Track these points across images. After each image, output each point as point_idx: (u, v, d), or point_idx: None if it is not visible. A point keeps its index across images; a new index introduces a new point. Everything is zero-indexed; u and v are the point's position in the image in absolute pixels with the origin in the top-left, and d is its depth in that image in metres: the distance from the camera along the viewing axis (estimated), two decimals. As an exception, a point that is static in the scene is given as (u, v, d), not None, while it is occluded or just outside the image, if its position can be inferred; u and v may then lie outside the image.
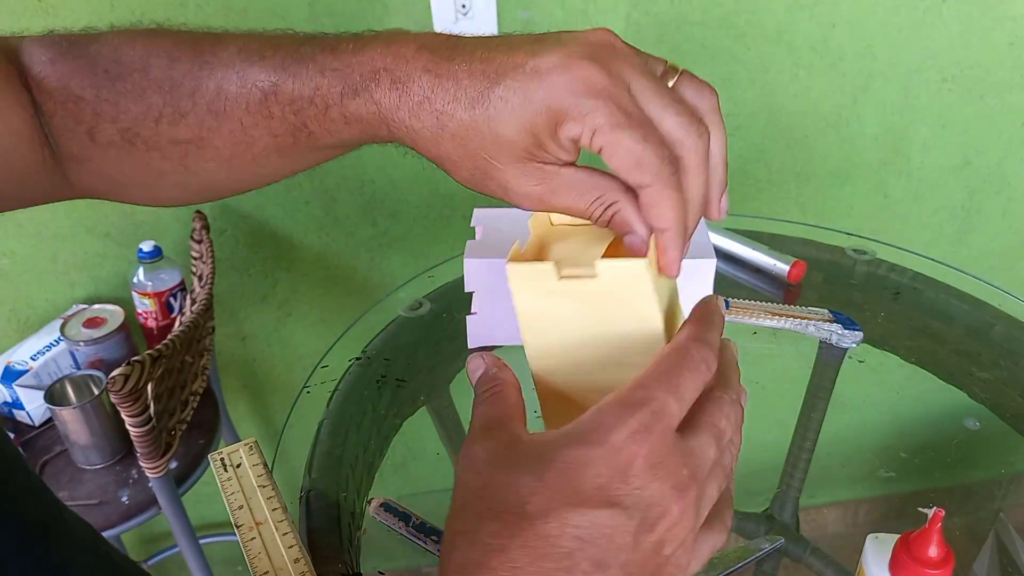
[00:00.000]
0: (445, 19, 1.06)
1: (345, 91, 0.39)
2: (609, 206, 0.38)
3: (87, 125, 0.43)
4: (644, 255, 0.37)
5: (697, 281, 0.69)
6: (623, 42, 0.38)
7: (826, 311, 0.77)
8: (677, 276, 0.39)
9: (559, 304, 0.39)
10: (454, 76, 0.37)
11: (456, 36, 0.39)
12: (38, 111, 0.44)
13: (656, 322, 0.38)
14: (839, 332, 0.75)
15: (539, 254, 0.42)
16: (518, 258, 0.40)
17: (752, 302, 0.78)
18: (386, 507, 0.59)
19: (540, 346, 0.42)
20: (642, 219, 0.38)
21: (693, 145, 0.37)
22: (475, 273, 0.71)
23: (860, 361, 0.74)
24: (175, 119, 0.42)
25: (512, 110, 0.36)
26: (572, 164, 0.38)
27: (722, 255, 0.87)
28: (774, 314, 0.76)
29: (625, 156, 0.35)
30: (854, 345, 0.74)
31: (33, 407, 1.09)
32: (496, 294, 0.72)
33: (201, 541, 1.10)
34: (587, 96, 0.35)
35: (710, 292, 0.71)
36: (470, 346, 0.75)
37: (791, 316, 0.76)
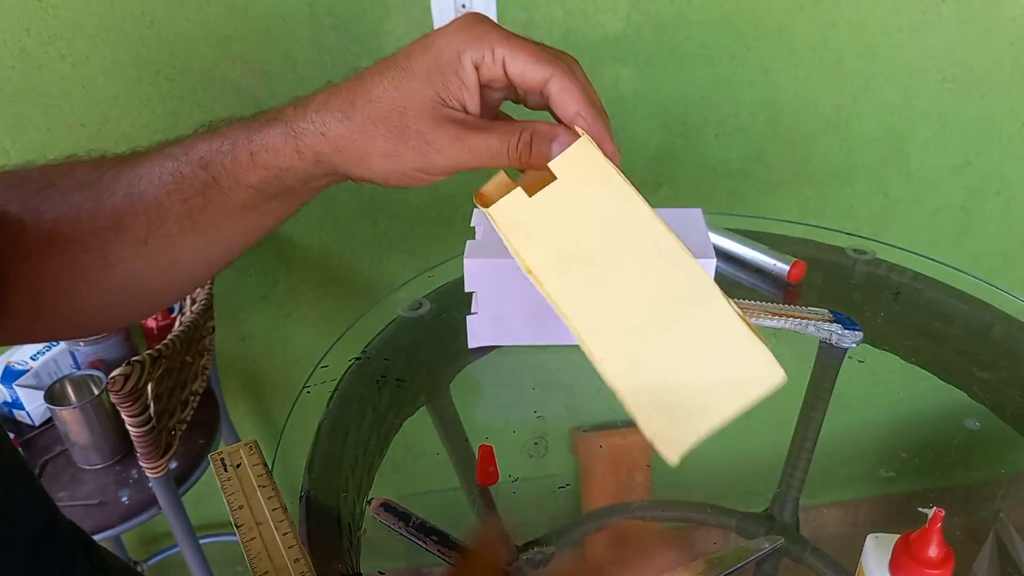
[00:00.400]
0: (445, 19, 1.06)
1: (252, 129, 0.42)
2: (523, 131, 0.41)
3: (12, 235, 0.42)
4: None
5: None
6: None
7: (826, 311, 0.77)
8: (616, 153, 0.42)
9: (545, 223, 0.41)
10: (357, 77, 0.42)
11: None
12: None
13: (630, 191, 0.40)
14: (839, 332, 0.75)
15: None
16: (495, 191, 0.43)
17: (752, 302, 0.78)
18: (386, 507, 0.59)
19: (552, 268, 0.42)
20: (557, 127, 0.41)
21: (571, 59, 0.42)
22: (475, 273, 0.71)
23: (860, 361, 0.74)
24: (95, 211, 0.43)
25: (415, 65, 0.40)
26: (479, 119, 0.42)
27: (722, 255, 0.87)
28: (774, 314, 0.76)
29: (525, 56, 0.40)
30: (854, 345, 0.74)
31: (33, 407, 1.09)
32: (496, 294, 0.72)
33: (201, 541, 1.10)
34: (479, 25, 0.40)
35: None
36: (470, 346, 0.75)
37: (791, 316, 0.76)
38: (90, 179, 0.44)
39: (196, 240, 0.45)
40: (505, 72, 0.41)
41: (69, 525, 0.40)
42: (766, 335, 0.76)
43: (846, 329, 0.75)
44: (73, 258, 0.44)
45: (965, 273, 0.83)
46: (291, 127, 0.41)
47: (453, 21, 0.41)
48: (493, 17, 1.06)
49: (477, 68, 0.40)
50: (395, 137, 0.41)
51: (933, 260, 0.86)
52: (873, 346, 0.75)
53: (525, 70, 0.40)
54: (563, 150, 0.41)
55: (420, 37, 0.42)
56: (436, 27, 1.05)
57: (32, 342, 0.48)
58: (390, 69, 0.41)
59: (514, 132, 0.41)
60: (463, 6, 1.05)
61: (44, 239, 0.43)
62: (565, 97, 0.41)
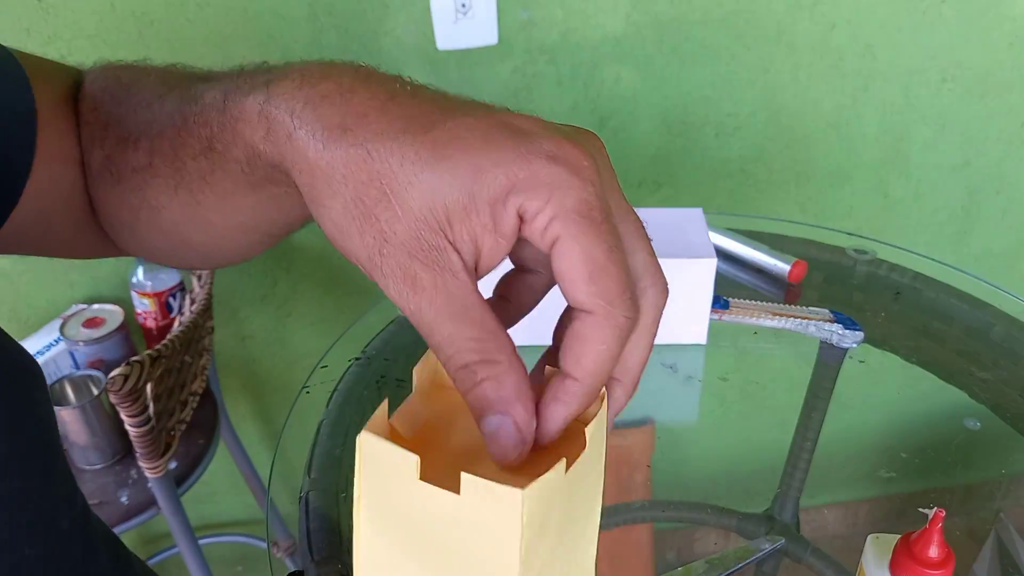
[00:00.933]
0: (445, 19, 1.06)
1: (228, 91, 0.31)
2: (483, 362, 0.27)
3: (88, 148, 0.39)
4: (505, 456, 0.28)
5: (697, 281, 0.69)
6: (606, 154, 0.30)
7: (827, 311, 0.77)
8: (553, 437, 0.29)
9: (411, 504, 0.27)
10: (385, 84, 0.28)
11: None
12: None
13: (513, 564, 0.27)
14: (840, 332, 0.75)
15: (415, 422, 0.31)
16: (381, 426, 0.28)
17: (753, 302, 0.78)
18: (386, 507, 0.59)
19: (379, 545, 0.29)
20: (511, 400, 0.27)
21: (656, 300, 0.29)
22: None
23: (861, 361, 0.74)
24: (135, 142, 0.36)
25: (463, 148, 0.26)
26: (469, 280, 0.27)
27: (722, 255, 0.87)
28: (775, 314, 0.76)
29: (583, 260, 0.26)
30: (855, 345, 0.74)
31: (32, 407, 1.09)
32: (496, 294, 0.72)
33: (200, 541, 1.10)
34: (565, 171, 0.26)
35: (710, 292, 0.71)
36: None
37: (792, 316, 0.76)
38: (145, 100, 0.37)
39: (219, 204, 0.36)
40: (545, 254, 0.27)
41: (98, 521, 0.39)
42: (767, 335, 0.76)
43: (847, 329, 0.75)
44: (123, 195, 0.38)
45: (965, 273, 0.83)
46: (266, 108, 0.29)
47: (558, 127, 0.29)
48: (493, 16, 1.06)
49: (521, 218, 0.26)
50: (356, 212, 0.27)
51: (933, 260, 0.86)
52: (873, 346, 0.75)
53: (569, 274, 0.26)
54: (491, 431, 0.27)
55: (496, 109, 0.29)
56: (436, 28, 1.06)
57: (142, 257, 0.44)
58: (449, 117, 0.27)
59: (471, 355, 0.27)
60: (463, 6, 1.05)
61: (105, 165, 0.38)
62: (577, 348, 0.27)
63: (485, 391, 0.27)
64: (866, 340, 0.75)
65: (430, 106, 0.27)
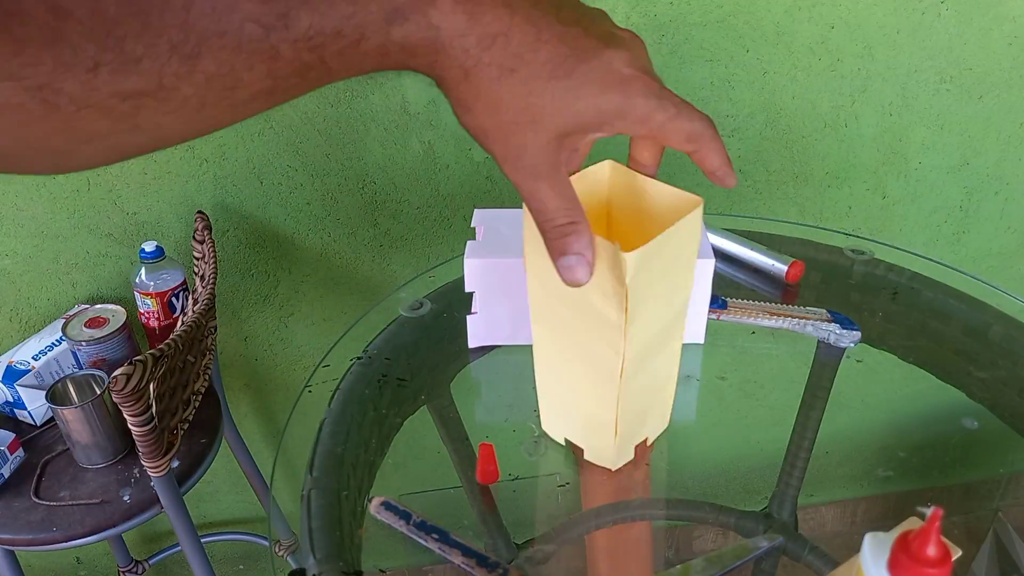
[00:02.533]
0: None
1: (391, 16, 0.33)
2: (571, 223, 0.42)
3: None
4: (578, 281, 0.43)
5: (695, 281, 0.70)
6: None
7: (824, 311, 0.77)
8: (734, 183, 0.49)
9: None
10: (533, 22, 0.36)
11: None
12: None
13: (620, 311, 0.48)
14: (837, 332, 0.75)
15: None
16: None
17: (750, 302, 0.78)
18: (387, 506, 0.60)
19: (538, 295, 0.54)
20: (589, 246, 0.43)
21: (710, 122, 0.45)
22: (475, 273, 0.71)
23: (858, 361, 0.75)
24: (120, 67, 0.31)
25: (592, 87, 0.38)
26: (567, 175, 0.42)
27: (720, 255, 0.87)
28: (772, 314, 0.76)
29: (680, 136, 0.43)
30: (852, 345, 0.75)
31: (35, 407, 1.09)
32: (496, 294, 0.73)
33: (203, 540, 1.10)
34: (651, 98, 0.41)
35: (708, 292, 0.71)
36: (470, 345, 0.75)
37: (789, 316, 0.76)
38: (96, 16, 0.30)
39: (264, 105, 0.36)
40: (650, 133, 0.43)
41: None
42: (765, 335, 0.76)
43: (844, 329, 0.75)
44: (80, 123, 0.32)
45: (963, 273, 0.84)
46: (441, 43, 0.35)
47: (630, 47, 0.41)
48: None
49: (623, 133, 0.42)
50: (507, 130, 0.39)
51: (931, 260, 0.86)
52: (871, 346, 0.76)
53: (679, 143, 0.44)
54: (568, 265, 0.42)
55: (596, 27, 0.39)
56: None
57: None
58: (579, 66, 0.38)
59: (563, 219, 0.42)
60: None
61: (33, 98, 0.30)
62: (707, 162, 0.46)
63: (570, 240, 0.42)
64: (864, 340, 0.75)
65: (568, 47, 0.38)
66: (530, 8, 0.36)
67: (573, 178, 0.44)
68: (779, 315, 0.76)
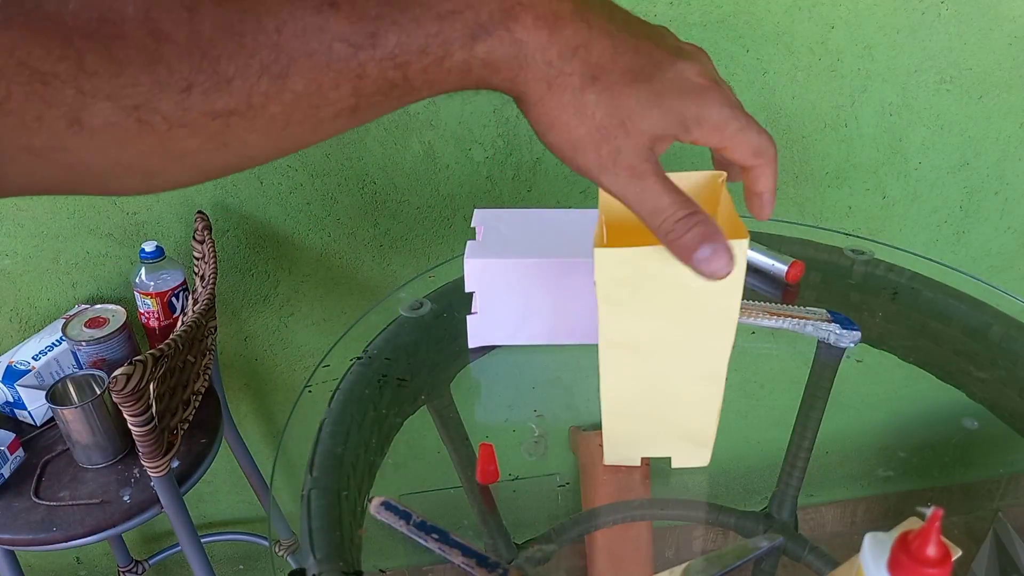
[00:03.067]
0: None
1: (475, 32, 0.35)
2: (692, 217, 0.41)
3: (65, 109, 0.30)
4: (720, 271, 0.44)
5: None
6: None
7: (824, 311, 0.77)
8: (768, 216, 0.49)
9: (646, 281, 0.51)
10: (610, 36, 0.38)
11: None
12: None
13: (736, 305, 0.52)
14: (837, 332, 0.75)
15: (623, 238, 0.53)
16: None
17: (751, 302, 0.78)
18: (387, 506, 0.60)
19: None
20: (720, 235, 0.42)
21: (774, 145, 0.45)
22: (475, 273, 0.71)
23: (858, 361, 0.75)
24: (212, 87, 0.32)
25: (671, 93, 0.39)
26: (662, 171, 0.42)
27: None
28: (772, 314, 0.76)
29: (747, 149, 0.43)
30: (852, 345, 0.75)
31: (35, 407, 1.09)
32: (496, 294, 0.72)
33: (203, 540, 1.10)
34: (724, 108, 0.41)
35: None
36: (470, 346, 0.75)
37: (789, 316, 0.76)
38: (190, 37, 0.31)
39: (347, 124, 0.36)
40: (717, 147, 0.43)
41: None
42: (765, 335, 0.76)
43: (844, 329, 0.75)
44: (171, 142, 0.33)
45: (963, 273, 0.84)
46: (525, 57, 0.36)
47: (699, 60, 0.42)
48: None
49: (718, 134, 0.42)
50: (598, 136, 0.39)
51: (931, 260, 0.86)
52: (871, 346, 0.76)
53: (743, 157, 0.44)
54: (706, 257, 0.42)
55: (666, 42, 0.41)
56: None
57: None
58: (658, 72, 0.39)
59: (683, 211, 0.41)
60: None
61: (130, 117, 0.32)
62: (760, 182, 0.46)
63: (699, 231, 0.41)
64: (864, 340, 0.75)
65: (644, 58, 0.39)
66: (606, 23, 0.38)
67: (674, 177, 0.43)
68: (779, 315, 0.76)
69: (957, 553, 0.50)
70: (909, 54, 1.19)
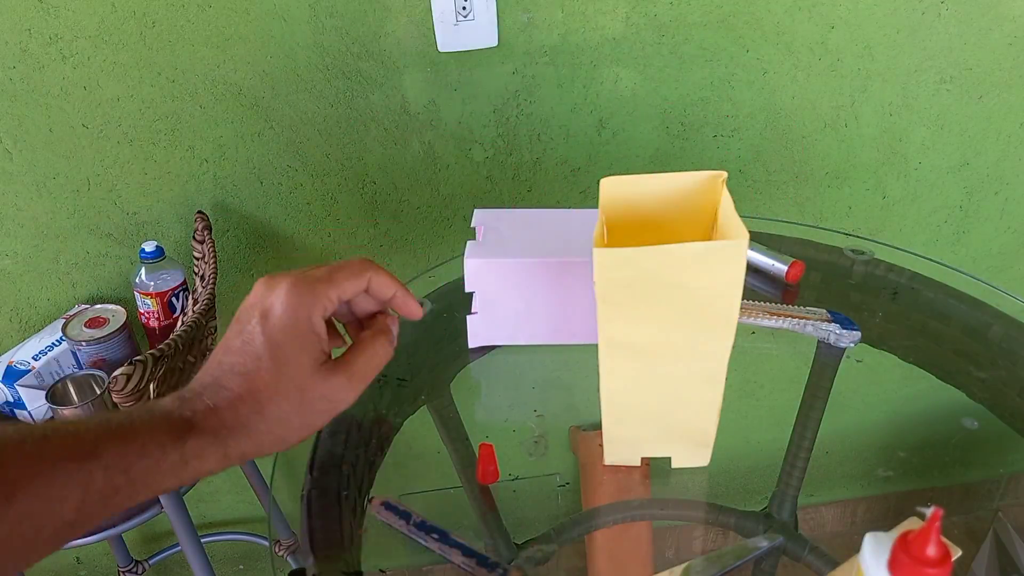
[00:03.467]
0: (446, 21, 1.06)
1: (171, 435, 0.44)
2: (389, 326, 0.57)
3: None
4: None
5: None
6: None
7: (824, 311, 0.77)
8: (420, 316, 0.58)
9: (641, 275, 0.52)
10: (248, 383, 0.49)
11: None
12: None
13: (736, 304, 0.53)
14: (837, 332, 0.75)
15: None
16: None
17: (750, 302, 0.78)
18: (387, 506, 0.60)
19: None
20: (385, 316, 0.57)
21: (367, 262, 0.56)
22: (475, 273, 0.71)
23: (858, 361, 0.75)
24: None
25: (286, 351, 0.49)
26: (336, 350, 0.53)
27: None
28: (772, 314, 0.76)
29: (386, 282, 0.55)
30: (852, 345, 0.75)
31: (35, 407, 1.09)
32: (496, 294, 0.72)
33: (203, 540, 1.10)
34: (304, 286, 0.51)
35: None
36: (470, 346, 0.75)
37: (789, 316, 0.76)
38: None
39: (61, 542, 0.41)
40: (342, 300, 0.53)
41: None
42: (765, 335, 0.76)
43: (844, 329, 0.75)
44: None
45: (963, 273, 0.84)
46: (216, 435, 0.46)
47: (274, 290, 0.52)
48: (493, 18, 1.07)
49: (324, 320, 0.51)
50: (307, 413, 0.49)
51: (931, 260, 0.86)
52: (871, 346, 0.76)
53: (385, 290, 0.55)
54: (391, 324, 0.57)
55: (256, 316, 0.52)
56: (436, 29, 1.06)
57: None
58: (266, 370, 0.48)
59: (387, 333, 0.55)
60: (463, 8, 1.05)
61: None
62: (388, 295, 0.56)
63: (389, 322, 0.58)
64: (864, 340, 0.75)
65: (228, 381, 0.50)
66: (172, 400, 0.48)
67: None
68: (779, 315, 0.76)
69: (957, 553, 0.50)
70: (909, 54, 1.19)
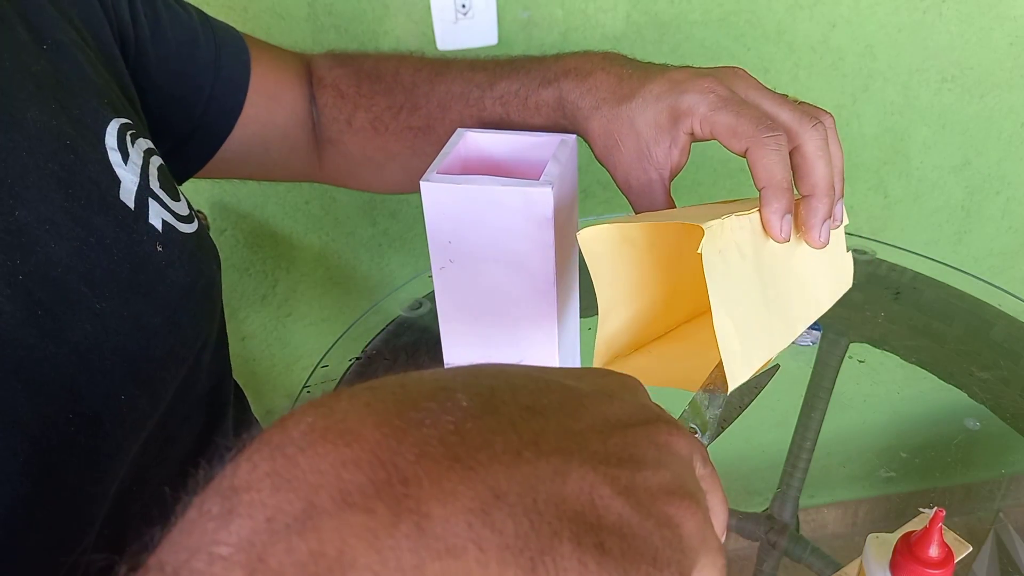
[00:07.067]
0: (445, 19, 1.06)
1: (542, 82, 0.51)
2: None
3: (347, 113, 0.58)
4: None
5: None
6: (751, 76, 0.50)
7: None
8: (783, 236, 0.45)
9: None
10: (618, 75, 0.49)
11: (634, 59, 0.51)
12: (313, 103, 0.60)
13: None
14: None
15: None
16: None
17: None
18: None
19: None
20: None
21: (809, 134, 0.45)
22: (437, 204, 0.48)
23: (860, 361, 0.74)
24: (412, 111, 0.56)
25: (646, 107, 0.47)
26: (665, 185, 0.50)
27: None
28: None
29: (722, 128, 0.45)
30: (812, 344, 0.74)
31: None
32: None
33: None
34: (698, 94, 0.45)
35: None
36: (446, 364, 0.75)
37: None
38: (411, 83, 0.56)
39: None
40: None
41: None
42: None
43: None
44: (388, 144, 0.58)
45: (965, 273, 0.83)
46: (562, 99, 0.51)
47: (705, 69, 0.48)
48: (493, 17, 1.06)
49: (689, 134, 0.48)
50: (605, 154, 0.50)
51: (933, 260, 0.86)
52: (873, 346, 0.75)
53: (723, 141, 0.46)
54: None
55: (668, 71, 0.49)
56: (436, 28, 1.06)
57: (341, 186, 0.67)
58: (638, 91, 0.48)
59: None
60: (463, 6, 1.05)
61: (371, 125, 0.58)
62: (754, 172, 0.46)
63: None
64: (865, 340, 0.75)
65: (638, 81, 0.48)
66: (618, 67, 0.50)
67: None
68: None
69: (966, 550, 0.50)
70: (910, 53, 1.19)
